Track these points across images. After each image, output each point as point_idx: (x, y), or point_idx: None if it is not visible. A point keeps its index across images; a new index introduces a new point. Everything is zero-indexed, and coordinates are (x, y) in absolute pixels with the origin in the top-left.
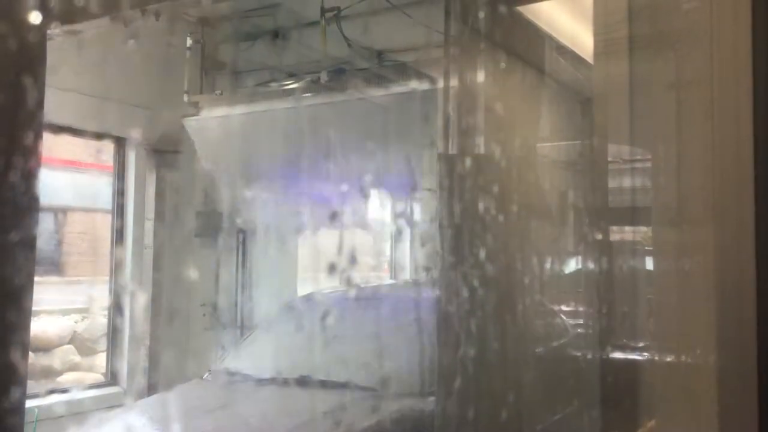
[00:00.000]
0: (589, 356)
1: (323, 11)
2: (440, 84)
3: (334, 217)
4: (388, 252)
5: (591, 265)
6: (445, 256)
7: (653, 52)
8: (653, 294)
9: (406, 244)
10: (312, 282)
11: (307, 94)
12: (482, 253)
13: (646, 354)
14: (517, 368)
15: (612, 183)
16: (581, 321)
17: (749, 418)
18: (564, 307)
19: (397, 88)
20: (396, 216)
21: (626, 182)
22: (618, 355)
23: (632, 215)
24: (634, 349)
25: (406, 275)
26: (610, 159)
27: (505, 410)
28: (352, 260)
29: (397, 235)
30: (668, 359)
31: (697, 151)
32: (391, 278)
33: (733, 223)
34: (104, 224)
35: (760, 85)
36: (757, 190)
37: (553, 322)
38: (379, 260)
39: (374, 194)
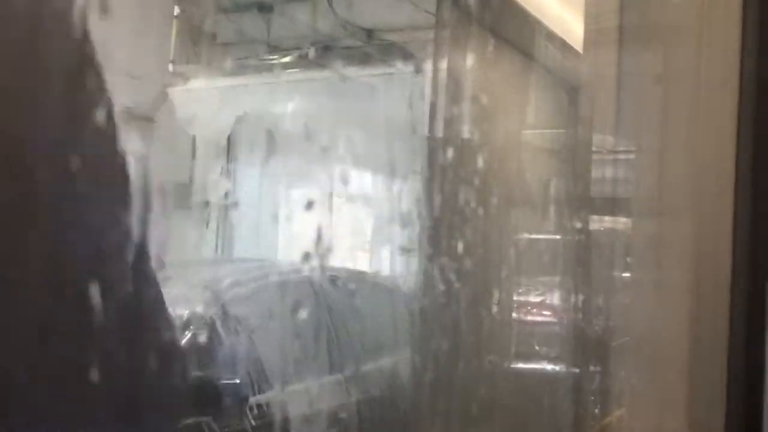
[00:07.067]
0: (563, 345)
1: None
2: (428, 66)
3: (314, 194)
4: (368, 234)
5: (571, 253)
6: (426, 239)
7: (643, 43)
8: (629, 283)
9: (386, 227)
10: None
11: (293, 70)
12: (465, 237)
13: (618, 343)
14: (493, 355)
15: (596, 173)
16: (558, 306)
17: (717, 409)
18: (543, 297)
19: (385, 68)
20: (379, 198)
21: (610, 172)
22: (590, 341)
23: (614, 205)
24: (606, 337)
25: (386, 258)
26: (594, 149)
27: (476, 404)
28: (329, 240)
29: (379, 218)
30: (640, 348)
31: (681, 144)
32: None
33: (711, 216)
34: None
35: (747, 81)
36: (736, 184)
37: (530, 310)
38: (358, 242)
39: (357, 175)
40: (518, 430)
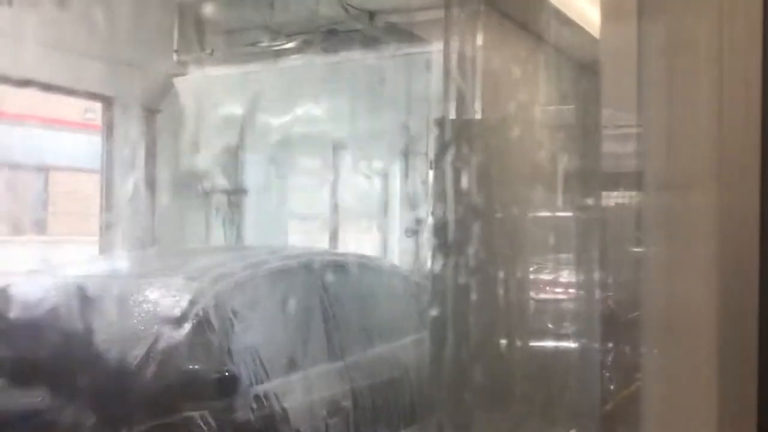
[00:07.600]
0: (587, 321)
1: None
2: (434, 47)
3: (320, 180)
4: (374, 218)
5: (595, 230)
6: (433, 222)
7: (663, 13)
8: (652, 260)
9: (392, 210)
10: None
11: (298, 55)
12: (473, 219)
13: (648, 318)
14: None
15: (619, 148)
16: (576, 282)
17: (749, 382)
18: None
19: (389, 50)
20: (385, 181)
21: (633, 147)
22: (618, 318)
23: (638, 180)
24: (636, 313)
25: (392, 242)
26: (616, 124)
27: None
28: (333, 225)
29: (385, 201)
30: (671, 324)
31: (705, 115)
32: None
33: (738, 187)
34: (93, 184)
35: None
36: (763, 153)
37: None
38: (363, 226)
39: (361, 158)
40: (535, 407)
